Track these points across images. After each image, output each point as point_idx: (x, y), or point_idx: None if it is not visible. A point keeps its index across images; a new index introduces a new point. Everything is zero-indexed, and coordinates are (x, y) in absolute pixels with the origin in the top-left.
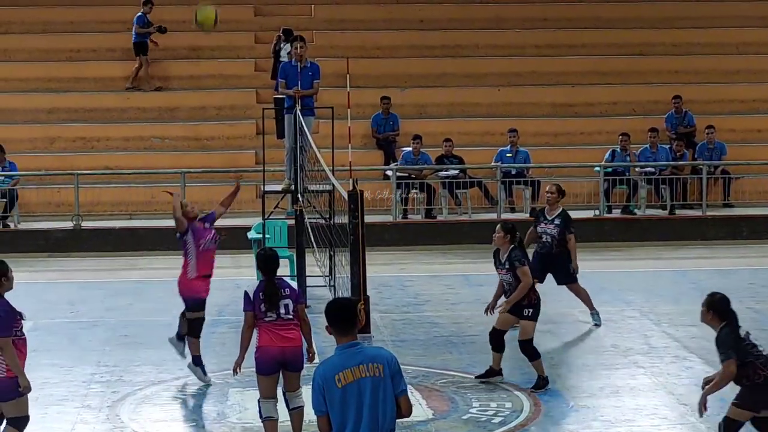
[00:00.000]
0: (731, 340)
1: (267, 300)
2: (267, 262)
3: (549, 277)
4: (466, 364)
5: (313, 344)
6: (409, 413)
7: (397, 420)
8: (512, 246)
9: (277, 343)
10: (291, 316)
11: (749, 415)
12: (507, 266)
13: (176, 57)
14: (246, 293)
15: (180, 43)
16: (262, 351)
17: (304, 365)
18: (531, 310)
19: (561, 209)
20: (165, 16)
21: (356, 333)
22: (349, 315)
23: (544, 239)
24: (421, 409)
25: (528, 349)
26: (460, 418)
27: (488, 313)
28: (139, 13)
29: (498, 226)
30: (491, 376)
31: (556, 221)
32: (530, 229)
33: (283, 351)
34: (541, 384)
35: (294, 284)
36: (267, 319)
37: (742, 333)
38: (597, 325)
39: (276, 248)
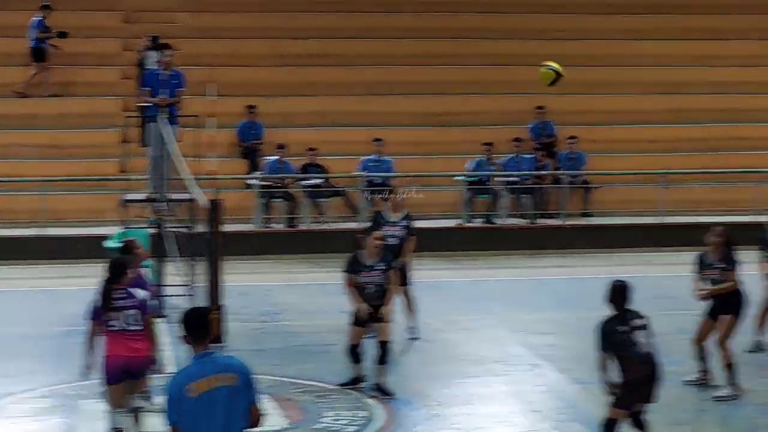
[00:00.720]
0: (604, 333)
1: (103, 305)
2: (110, 268)
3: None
4: (322, 373)
5: (160, 355)
6: (258, 423)
7: (249, 430)
8: None
9: (123, 353)
10: (138, 327)
11: (625, 413)
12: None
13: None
14: (92, 302)
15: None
16: (108, 360)
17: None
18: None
19: (406, 212)
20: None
21: (210, 342)
22: (203, 324)
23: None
24: (275, 418)
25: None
26: (314, 428)
27: None
28: (38, 18)
29: None
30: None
31: (402, 223)
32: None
33: (129, 361)
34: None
35: (143, 294)
36: (111, 328)
37: (633, 327)
38: (415, 339)
39: None
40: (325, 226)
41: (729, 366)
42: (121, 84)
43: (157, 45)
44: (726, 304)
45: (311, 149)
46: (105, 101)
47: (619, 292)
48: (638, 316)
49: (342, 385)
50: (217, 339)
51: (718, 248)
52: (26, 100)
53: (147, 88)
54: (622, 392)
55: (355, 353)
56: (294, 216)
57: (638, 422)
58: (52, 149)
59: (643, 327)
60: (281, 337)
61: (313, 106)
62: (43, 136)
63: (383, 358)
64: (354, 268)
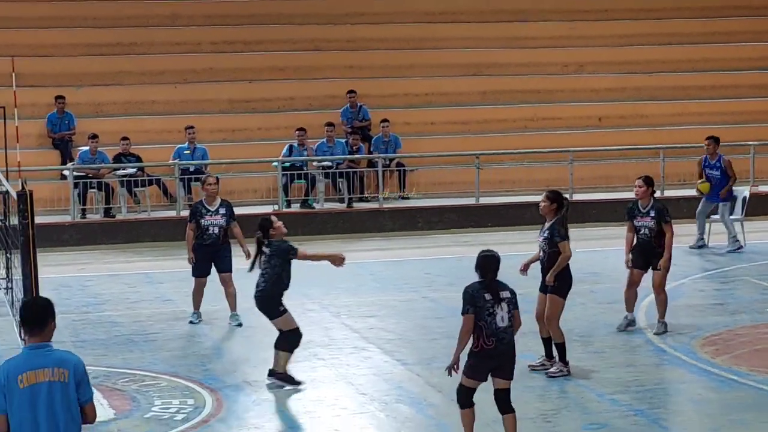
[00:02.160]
0: (470, 297)
1: None
2: None
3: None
4: (147, 362)
5: None
6: (93, 420)
7: (83, 425)
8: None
9: None
10: None
11: (476, 383)
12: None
13: None
14: None
15: None
16: None
17: None
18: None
19: (219, 200)
20: None
21: (48, 335)
22: (39, 315)
23: (210, 231)
24: (102, 409)
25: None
26: (143, 417)
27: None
28: None
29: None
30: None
31: (221, 210)
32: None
33: None
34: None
35: None
36: None
37: (496, 298)
38: (239, 326)
39: None
40: (142, 216)
41: (560, 345)
42: None
43: None
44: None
45: (124, 139)
46: None
47: (487, 262)
48: (506, 288)
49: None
50: (50, 334)
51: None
52: None
53: None
54: (471, 362)
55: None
56: (110, 206)
57: (501, 403)
58: None
59: (509, 300)
60: (104, 328)
61: (124, 95)
62: None
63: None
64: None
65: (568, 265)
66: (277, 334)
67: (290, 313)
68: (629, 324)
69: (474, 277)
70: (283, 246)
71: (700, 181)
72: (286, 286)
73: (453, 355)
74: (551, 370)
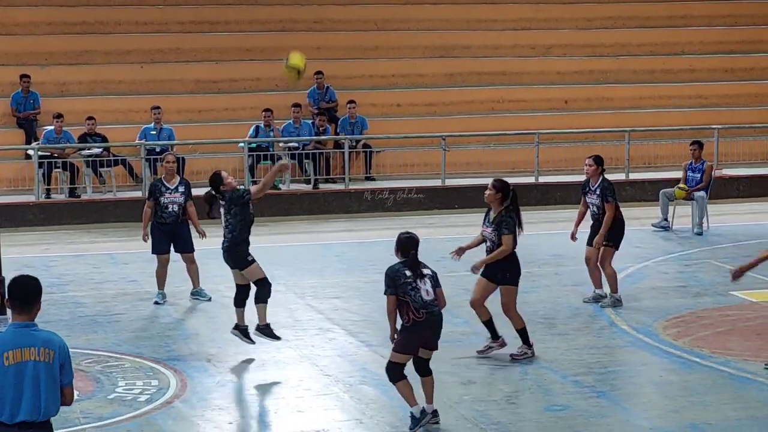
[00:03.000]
0: (391, 278)
1: None
2: None
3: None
4: (111, 343)
5: None
6: (71, 403)
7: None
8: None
9: None
10: None
11: (407, 357)
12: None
13: None
14: None
15: None
16: None
17: None
18: None
19: (179, 178)
20: None
21: (34, 315)
22: (29, 294)
23: (170, 209)
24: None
25: None
26: (106, 398)
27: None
28: None
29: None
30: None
31: (180, 189)
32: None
33: None
34: None
35: None
36: None
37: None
38: (209, 300)
39: None
40: (107, 196)
41: (521, 330)
42: None
43: None
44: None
45: (90, 118)
46: None
47: (406, 243)
48: (426, 266)
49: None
50: (1, 311)
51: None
52: None
53: None
54: (402, 338)
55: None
56: (75, 186)
57: (422, 368)
58: None
59: (430, 276)
60: (68, 308)
61: (90, 75)
62: None
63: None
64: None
65: (514, 252)
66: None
67: (258, 263)
68: (595, 299)
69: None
70: (236, 193)
71: (679, 186)
72: (249, 232)
73: (390, 331)
74: (515, 352)
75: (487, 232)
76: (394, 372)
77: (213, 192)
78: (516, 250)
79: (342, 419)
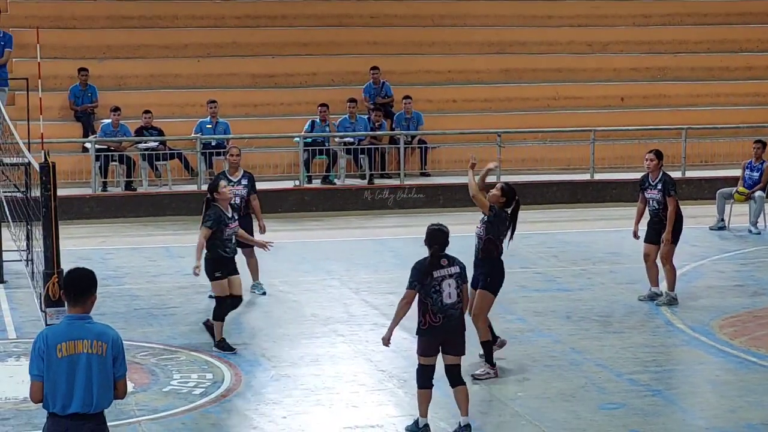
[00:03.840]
0: (418, 272)
1: None
2: None
3: None
4: (166, 336)
5: None
6: (124, 396)
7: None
8: None
9: None
10: None
11: (430, 360)
12: None
13: None
14: None
15: None
16: None
17: None
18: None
19: (242, 171)
20: None
21: (89, 307)
22: (84, 286)
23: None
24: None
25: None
26: (161, 391)
27: None
28: None
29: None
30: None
31: (243, 182)
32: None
33: None
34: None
35: None
36: None
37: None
38: (264, 294)
39: None
40: (163, 189)
41: (486, 343)
42: None
43: None
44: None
45: (146, 112)
46: None
47: (431, 236)
48: (455, 262)
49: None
50: (59, 303)
51: None
52: None
53: None
54: (420, 341)
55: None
56: (132, 179)
57: (451, 377)
58: None
59: (457, 275)
60: (124, 301)
61: (147, 69)
62: None
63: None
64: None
65: (501, 261)
66: (298, 309)
67: (228, 280)
68: (651, 297)
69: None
70: (207, 213)
71: (738, 190)
72: (222, 253)
73: (388, 329)
74: (477, 372)
75: (479, 230)
76: (420, 376)
77: (209, 198)
78: (503, 258)
79: (396, 415)
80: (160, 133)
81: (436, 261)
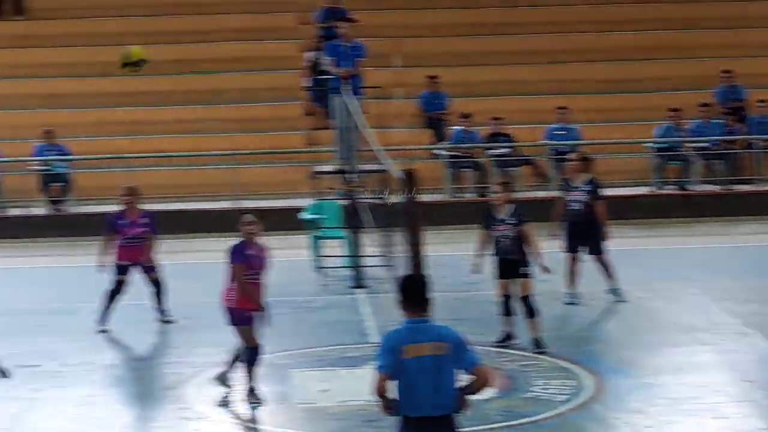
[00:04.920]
0: None
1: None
2: None
3: None
4: (526, 342)
5: None
6: (488, 381)
7: (479, 390)
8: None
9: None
10: None
11: None
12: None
13: (225, 39)
14: None
15: (229, 25)
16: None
17: None
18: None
19: (589, 177)
20: None
21: (427, 310)
22: (419, 291)
23: (573, 207)
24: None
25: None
26: (522, 397)
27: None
28: None
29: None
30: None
31: (584, 188)
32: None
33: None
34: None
35: None
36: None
37: None
38: (621, 301)
39: (331, 229)
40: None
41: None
42: (301, 57)
43: (336, 17)
44: None
45: (496, 118)
46: (285, 75)
47: None
48: None
49: (496, 343)
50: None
51: None
52: (212, 75)
53: (331, 58)
54: None
55: (504, 307)
56: (484, 185)
57: None
58: (240, 123)
59: None
60: (481, 307)
61: (496, 75)
62: (230, 111)
63: (528, 313)
64: (486, 221)
65: None
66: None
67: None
68: None
69: None
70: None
71: None
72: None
73: None
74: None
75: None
76: None
77: None
78: None
79: (763, 427)
80: (510, 139)
81: None
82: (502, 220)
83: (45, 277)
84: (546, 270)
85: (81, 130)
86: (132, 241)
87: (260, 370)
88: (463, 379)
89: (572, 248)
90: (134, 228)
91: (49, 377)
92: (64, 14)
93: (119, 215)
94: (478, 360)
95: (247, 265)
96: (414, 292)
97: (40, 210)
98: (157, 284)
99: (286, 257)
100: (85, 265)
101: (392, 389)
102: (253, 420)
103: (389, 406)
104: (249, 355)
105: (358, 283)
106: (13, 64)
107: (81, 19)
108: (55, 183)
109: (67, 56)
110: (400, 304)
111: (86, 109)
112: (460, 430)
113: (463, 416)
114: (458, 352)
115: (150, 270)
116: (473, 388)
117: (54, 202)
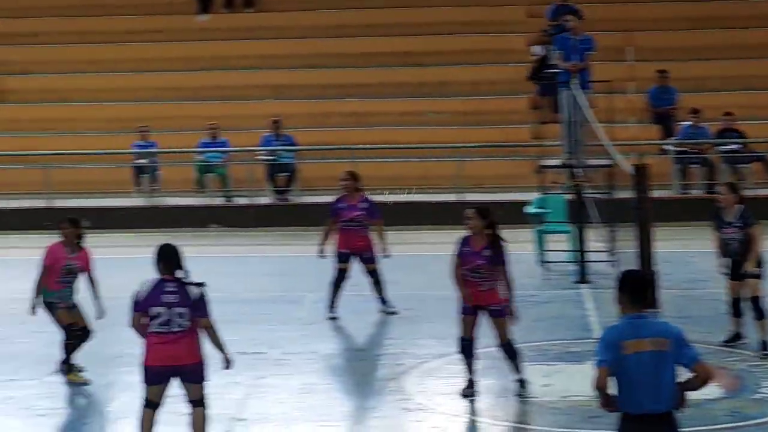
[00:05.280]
0: None
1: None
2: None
3: None
4: (755, 342)
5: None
6: (710, 376)
7: (700, 386)
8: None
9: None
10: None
11: None
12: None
13: (453, 32)
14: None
15: (457, 18)
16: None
17: None
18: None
19: None
20: None
21: (646, 306)
22: (638, 287)
23: None
24: (710, 387)
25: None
26: (751, 398)
27: None
28: None
29: None
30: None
31: None
32: None
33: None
34: None
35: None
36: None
37: None
38: None
39: (556, 223)
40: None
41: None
42: (527, 51)
43: (563, 11)
44: None
45: (727, 114)
46: (514, 68)
47: None
48: None
49: (724, 342)
50: (652, 305)
51: None
52: (440, 67)
53: (560, 51)
54: None
55: (734, 307)
56: (712, 182)
57: None
58: (467, 116)
59: None
60: (709, 305)
61: (727, 70)
62: (457, 104)
63: (757, 314)
64: (715, 223)
65: None
66: None
67: None
68: None
69: None
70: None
71: None
72: None
73: None
74: None
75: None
76: None
77: None
78: None
79: None
80: (741, 135)
81: None
82: (730, 223)
83: (269, 266)
84: (755, 275)
85: (307, 120)
86: (350, 224)
87: (480, 363)
88: (683, 375)
89: None
90: (353, 212)
91: (272, 365)
92: (293, 6)
93: (339, 199)
94: (699, 356)
95: (461, 260)
96: (635, 287)
97: (266, 199)
98: (374, 275)
99: (511, 251)
100: (309, 255)
101: (613, 385)
102: (474, 413)
103: (610, 402)
104: (461, 347)
105: (582, 278)
106: (243, 55)
107: (309, 11)
108: (281, 173)
109: (295, 48)
110: (619, 300)
111: (313, 100)
112: (689, 430)
113: (689, 416)
114: (679, 348)
115: (369, 261)
116: (694, 384)
117: (279, 192)
